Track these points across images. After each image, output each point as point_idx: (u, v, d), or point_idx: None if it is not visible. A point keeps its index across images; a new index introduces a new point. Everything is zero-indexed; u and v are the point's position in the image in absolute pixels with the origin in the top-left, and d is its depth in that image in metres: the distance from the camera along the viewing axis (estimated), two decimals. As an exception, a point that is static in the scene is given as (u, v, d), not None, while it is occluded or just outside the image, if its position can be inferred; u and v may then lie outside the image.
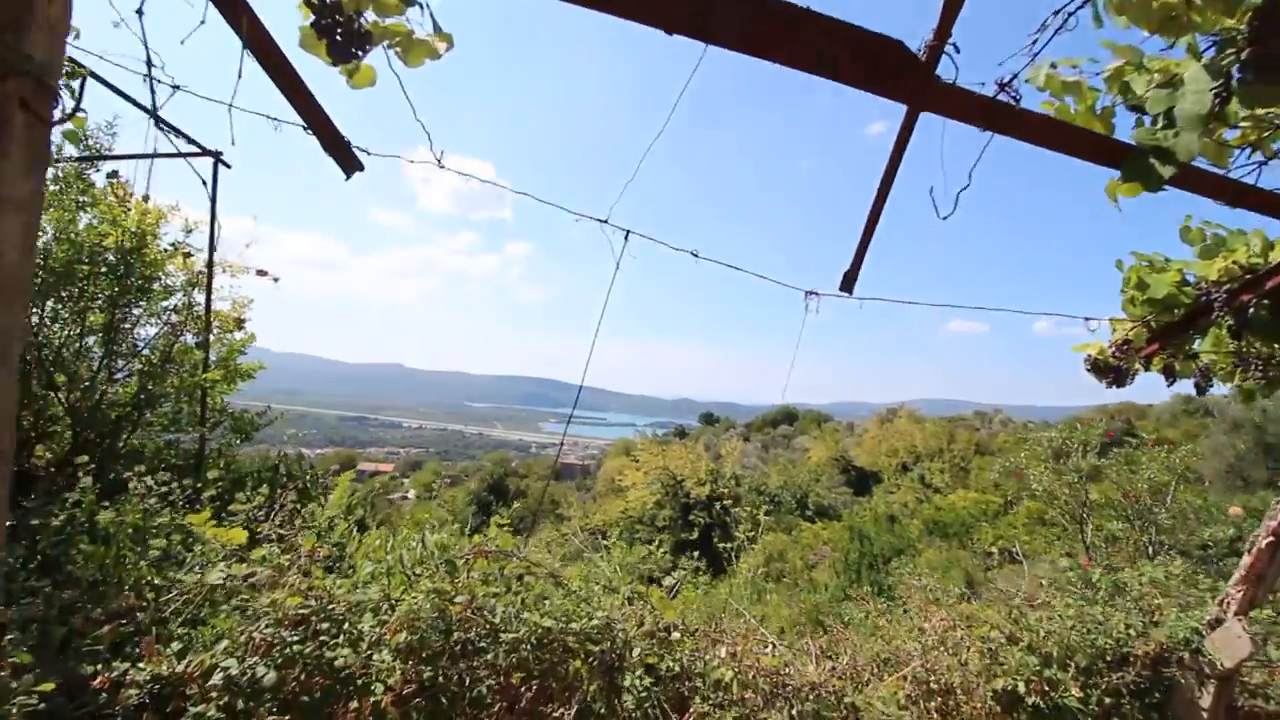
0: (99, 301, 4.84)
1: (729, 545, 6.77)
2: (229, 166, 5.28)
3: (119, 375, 5.09)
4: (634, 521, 32.73)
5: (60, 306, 4.75)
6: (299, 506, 2.91)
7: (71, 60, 3.45)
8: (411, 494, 61.86)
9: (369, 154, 2.44)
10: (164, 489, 3.06)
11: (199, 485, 3.35)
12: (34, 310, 4.55)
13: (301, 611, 2.14)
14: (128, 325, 5.00)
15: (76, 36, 3.35)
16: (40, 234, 4.54)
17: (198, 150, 5.11)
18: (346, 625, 2.22)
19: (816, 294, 2.71)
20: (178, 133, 4.72)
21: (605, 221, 2.55)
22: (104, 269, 4.79)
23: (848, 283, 2.61)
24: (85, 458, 3.40)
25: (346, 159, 2.39)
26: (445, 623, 2.32)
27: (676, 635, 2.65)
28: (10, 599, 2.05)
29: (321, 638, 2.14)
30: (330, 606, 2.22)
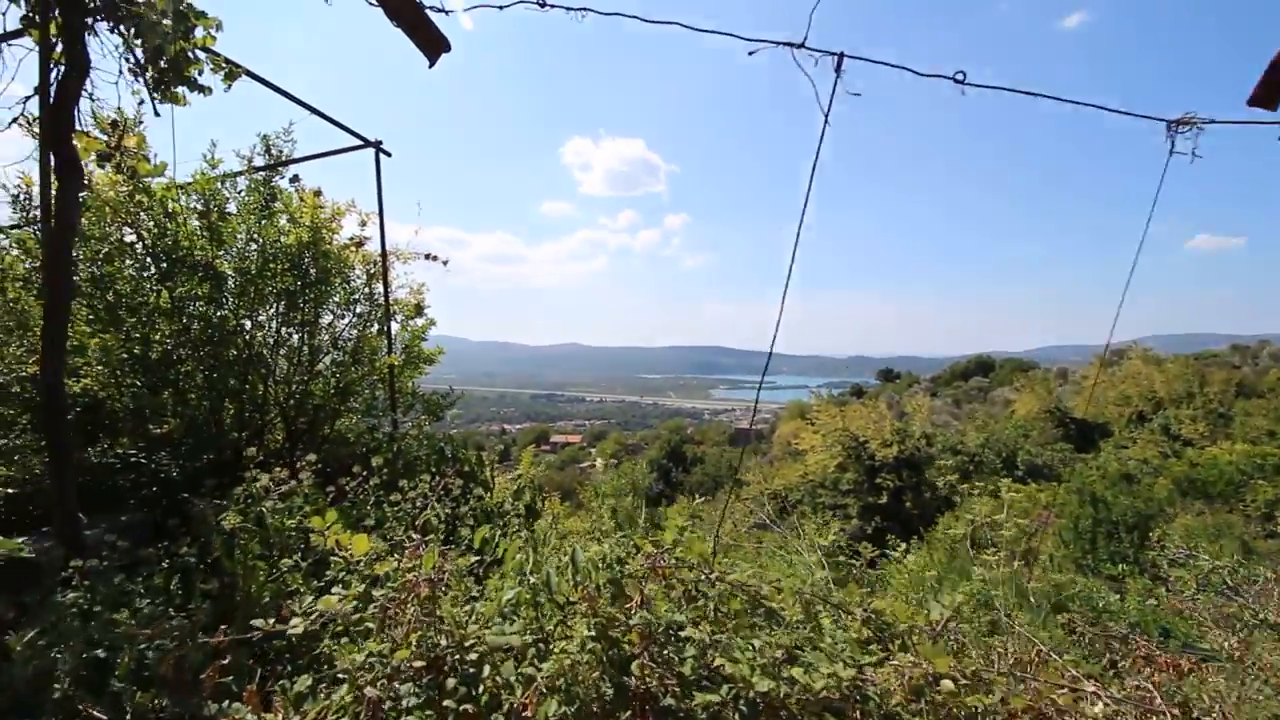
0: (284, 300, 5.42)
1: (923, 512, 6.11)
2: (389, 155, 5.74)
3: (320, 367, 5.74)
4: (815, 486, 31.68)
5: (258, 306, 5.37)
6: (464, 493, 3.02)
7: (228, 61, 3.92)
8: (599, 462, 66.12)
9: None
10: (295, 486, 2.94)
11: (366, 472, 3.37)
12: (240, 309, 5.27)
13: (416, 664, 1.62)
14: (324, 319, 5.71)
15: (219, 29, 3.78)
16: (235, 239, 5.27)
17: (359, 142, 5.61)
18: (487, 672, 1.66)
19: (1193, 123, 1.80)
20: (340, 126, 5.21)
21: (802, 45, 1.83)
22: (285, 264, 5.30)
23: (1266, 96, 1.78)
24: (300, 446, 3.97)
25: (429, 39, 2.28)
26: (615, 669, 1.69)
27: (948, 687, 1.68)
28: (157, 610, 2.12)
29: (448, 700, 1.61)
30: (462, 647, 1.66)
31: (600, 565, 1.98)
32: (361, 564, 1.91)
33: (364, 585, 1.86)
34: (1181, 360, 39.04)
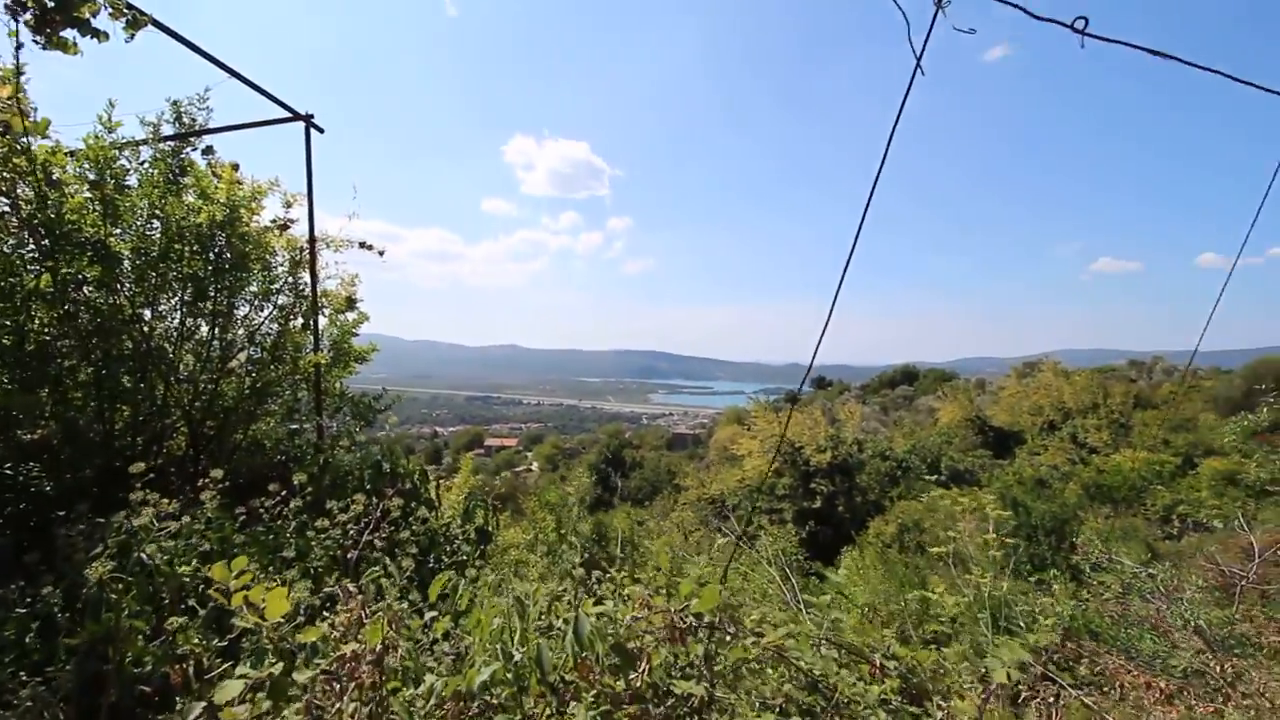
0: (191, 286, 4.78)
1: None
2: (321, 130, 5.17)
3: (233, 365, 5.07)
4: (752, 490, 32.04)
5: (160, 293, 4.71)
6: (405, 514, 2.58)
7: (131, 6, 3.34)
8: (535, 466, 64.90)
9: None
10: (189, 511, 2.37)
11: (287, 490, 2.80)
12: (137, 296, 4.59)
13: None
14: (239, 310, 5.05)
15: None
16: (134, 215, 4.60)
17: (289, 114, 5.04)
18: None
19: None
20: (266, 94, 4.64)
21: None
22: (195, 246, 4.69)
23: None
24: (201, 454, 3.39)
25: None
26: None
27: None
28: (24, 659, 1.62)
29: None
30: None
31: (604, 633, 1.58)
32: (279, 629, 1.43)
33: (281, 661, 1.38)
34: (1087, 373, 41.90)
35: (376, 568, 2.11)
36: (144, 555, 1.90)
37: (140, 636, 1.71)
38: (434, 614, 1.67)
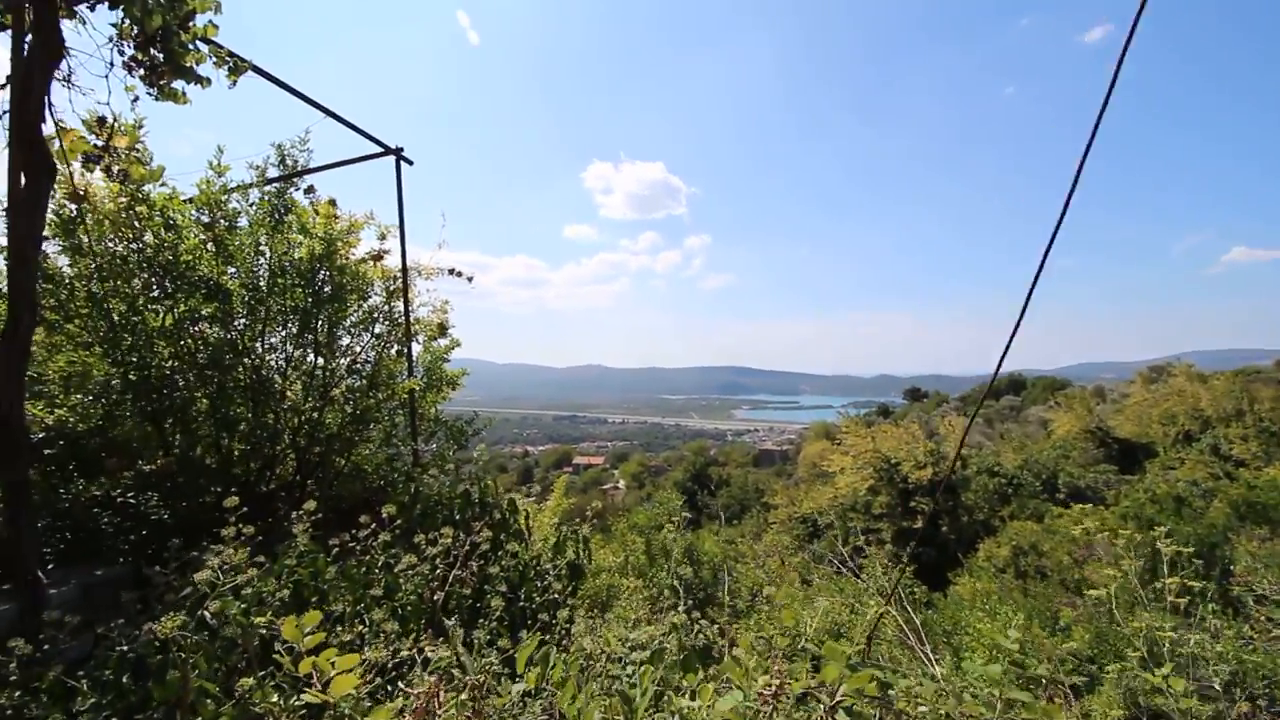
0: (296, 318, 4.95)
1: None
2: (411, 163, 5.31)
3: (335, 393, 5.25)
4: (846, 509, 30.57)
5: (269, 326, 4.90)
6: (494, 548, 2.44)
7: (232, 54, 3.49)
8: (621, 484, 65.32)
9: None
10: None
11: (377, 522, 2.70)
12: (248, 330, 4.80)
13: None
14: (340, 340, 5.22)
15: (218, 10, 3.33)
16: (243, 253, 4.82)
17: (381, 149, 5.20)
18: None
19: None
20: (360, 131, 4.80)
21: None
22: (297, 280, 4.86)
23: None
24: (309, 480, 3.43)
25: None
26: None
27: None
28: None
29: None
30: None
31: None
32: (345, 709, 1.26)
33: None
34: (1228, 376, 37.20)
35: (463, 611, 1.97)
36: (207, 614, 1.83)
37: (210, 700, 1.63)
38: (521, 687, 1.45)
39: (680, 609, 2.15)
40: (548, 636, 2.32)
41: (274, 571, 2.14)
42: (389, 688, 1.65)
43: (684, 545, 7.71)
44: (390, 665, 1.64)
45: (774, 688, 1.34)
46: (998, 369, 1.67)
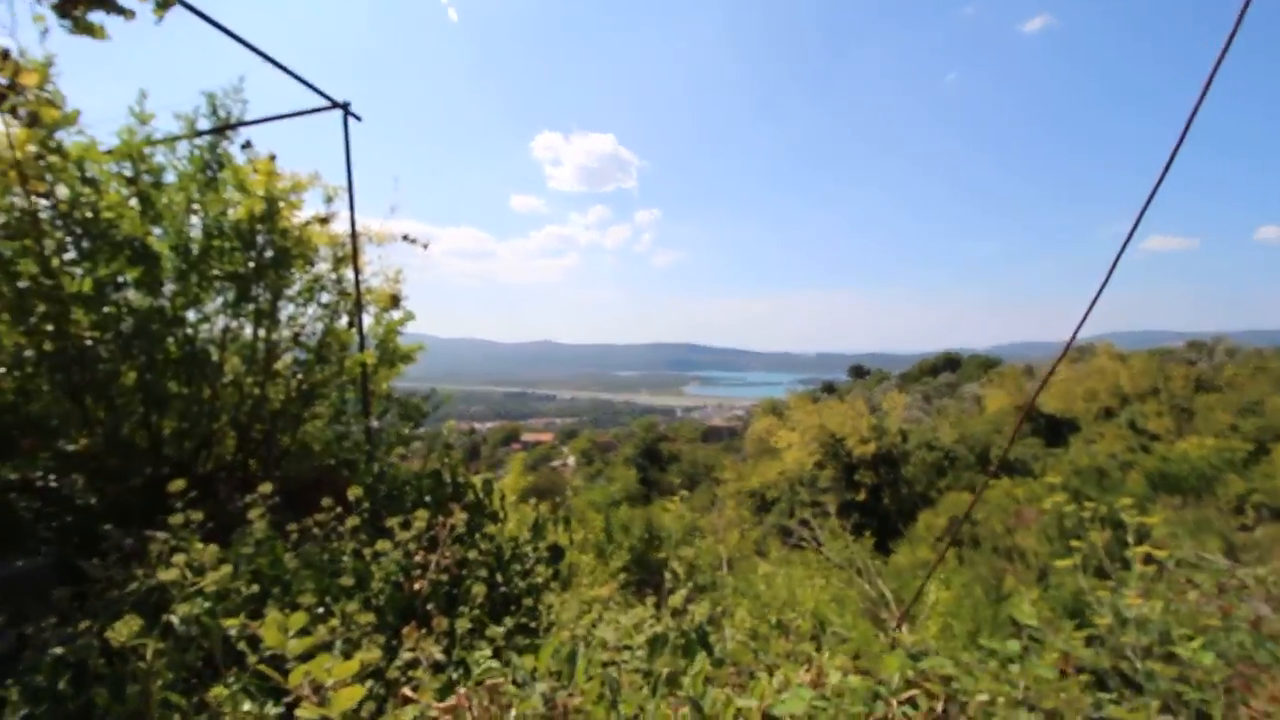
0: (233, 285, 4.57)
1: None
2: (359, 119, 4.93)
3: (278, 366, 4.86)
4: (794, 483, 31.46)
5: (202, 293, 4.50)
6: (470, 530, 2.27)
7: None
8: (571, 461, 65.31)
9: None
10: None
11: (341, 506, 2.52)
12: (178, 297, 4.41)
13: None
14: (283, 310, 4.82)
15: None
16: (172, 211, 4.41)
17: (327, 103, 4.81)
18: None
19: None
20: (303, 82, 4.41)
21: None
22: (235, 243, 4.47)
23: None
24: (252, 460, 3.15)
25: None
26: None
27: None
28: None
29: None
30: None
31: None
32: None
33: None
34: (1144, 356, 40.02)
35: (440, 599, 1.81)
36: (175, 619, 1.60)
37: (177, 715, 1.43)
38: (543, 688, 1.31)
39: (679, 590, 2.06)
40: (534, 623, 2.20)
41: (229, 561, 1.92)
42: (381, 692, 1.49)
43: (644, 521, 7.71)
44: (382, 667, 1.47)
45: (814, 677, 1.26)
46: (1071, 339, 1.61)
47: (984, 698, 1.37)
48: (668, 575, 2.33)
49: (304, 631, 1.24)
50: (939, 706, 1.35)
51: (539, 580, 2.37)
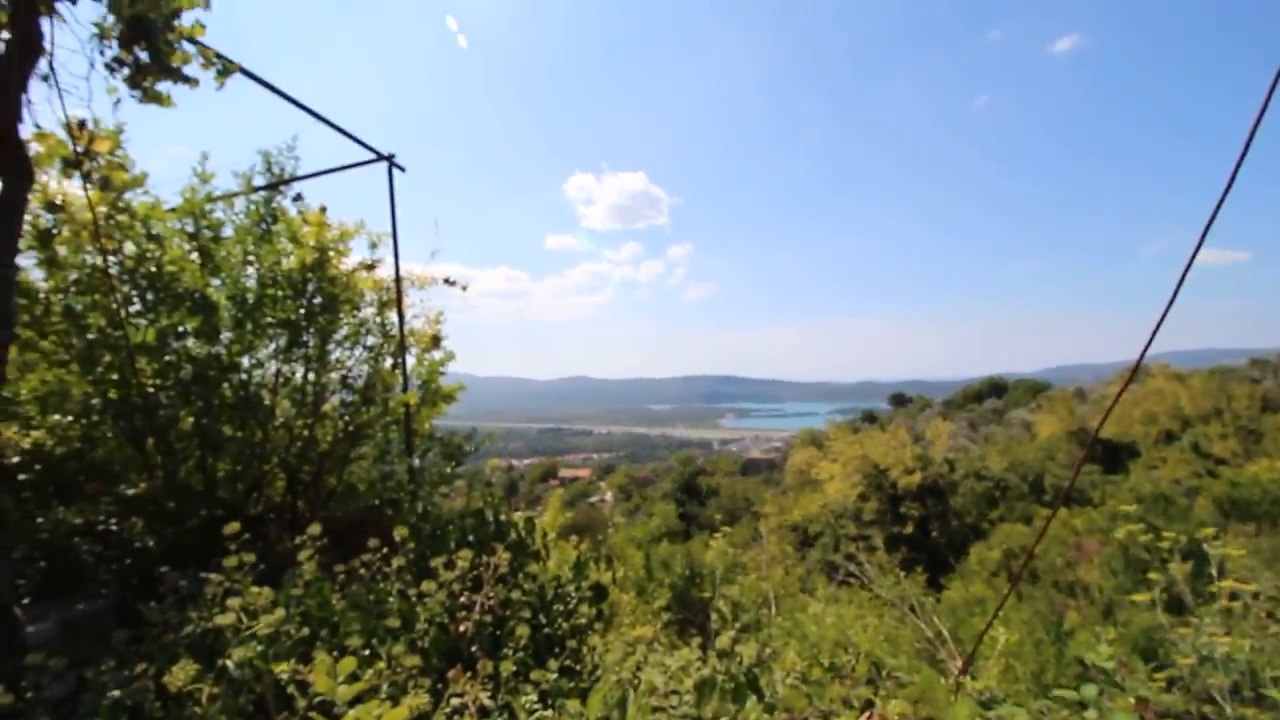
0: (285, 332, 4.76)
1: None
2: (403, 169, 5.16)
3: (326, 409, 5.02)
4: (836, 516, 30.58)
5: (256, 340, 4.69)
6: (513, 570, 2.26)
7: (219, 55, 3.32)
8: (609, 496, 64.96)
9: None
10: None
11: (386, 546, 2.51)
12: (234, 344, 4.60)
13: None
14: (331, 353, 4.99)
15: (206, 6, 3.18)
16: (229, 264, 4.63)
17: (373, 155, 5.04)
18: None
19: None
20: (351, 137, 4.64)
21: None
22: (287, 291, 4.67)
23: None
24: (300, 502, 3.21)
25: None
26: None
27: None
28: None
29: None
30: None
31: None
32: None
33: None
34: (1205, 375, 38.08)
35: (483, 640, 1.80)
36: (230, 663, 1.63)
37: None
38: None
39: (727, 630, 2.00)
40: (578, 665, 2.16)
41: (280, 603, 1.95)
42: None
43: (683, 554, 7.55)
44: (428, 712, 1.46)
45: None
46: (1139, 360, 1.55)
47: None
48: (714, 615, 2.27)
49: (353, 676, 1.24)
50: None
51: (582, 621, 2.33)
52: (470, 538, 2.74)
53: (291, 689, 1.49)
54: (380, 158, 5.23)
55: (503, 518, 2.90)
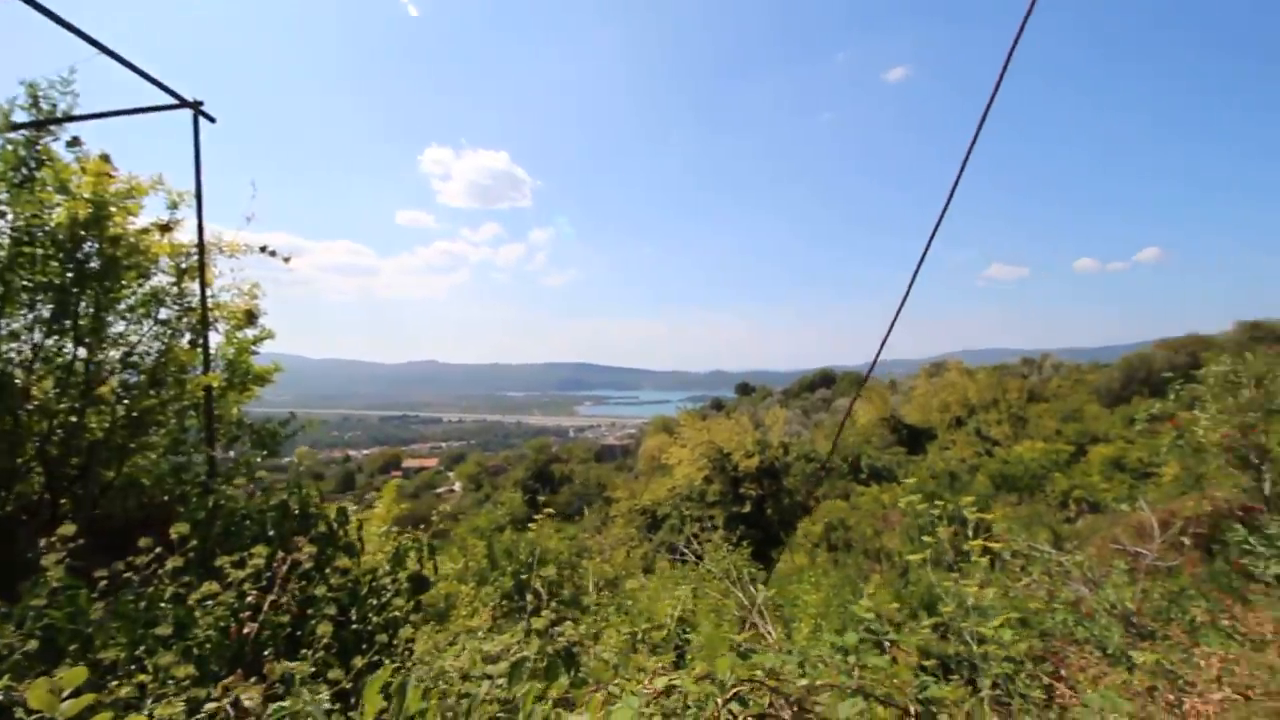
0: (50, 298, 4.02)
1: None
2: (212, 120, 4.53)
3: (104, 390, 4.30)
4: (683, 499, 32.10)
5: (8, 306, 3.93)
6: (319, 565, 2.07)
7: None
8: (458, 486, 62.61)
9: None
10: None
11: (162, 545, 2.13)
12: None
13: None
14: (113, 326, 4.26)
15: None
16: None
17: (175, 100, 4.37)
18: None
19: None
20: (147, 77, 3.98)
21: None
22: (52, 250, 3.97)
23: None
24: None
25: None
26: None
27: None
28: None
29: None
30: None
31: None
32: None
33: None
34: (987, 371, 45.13)
35: (279, 642, 1.64)
36: None
37: None
38: None
39: (544, 611, 2.01)
40: (387, 659, 2.05)
41: (14, 616, 1.62)
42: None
43: (529, 545, 7.48)
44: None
45: (660, 687, 1.28)
46: (874, 362, 1.76)
47: (804, 684, 1.46)
48: (529, 598, 2.27)
49: (96, 687, 1.07)
50: (766, 700, 1.42)
51: (397, 614, 2.21)
52: (271, 533, 2.49)
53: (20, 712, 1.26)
54: (183, 104, 4.54)
55: (312, 509, 2.67)
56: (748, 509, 31.29)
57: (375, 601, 2.26)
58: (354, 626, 2.12)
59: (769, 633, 3.49)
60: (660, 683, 1.29)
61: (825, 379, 73.77)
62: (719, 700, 1.30)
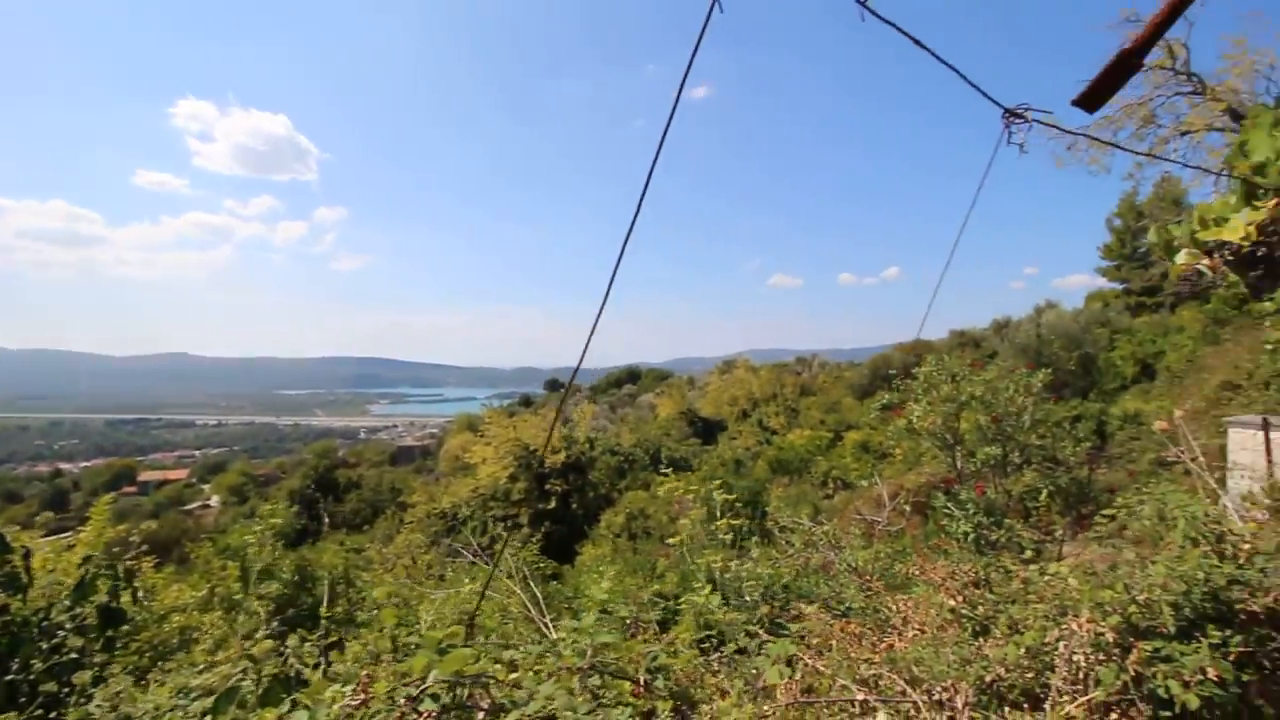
0: None
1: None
2: None
3: None
4: (487, 499, 31.15)
5: None
6: None
7: None
8: (215, 500, 53.94)
9: None
10: None
11: None
12: None
13: None
14: None
15: None
16: None
17: None
18: None
19: (1023, 116, 1.66)
20: None
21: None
22: None
23: (1091, 99, 1.73)
24: None
25: None
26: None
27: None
28: None
29: None
30: None
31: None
32: None
33: None
34: (769, 369, 50.71)
35: None
36: None
37: None
38: None
39: (260, 634, 1.67)
40: (54, 713, 1.53)
41: None
42: None
43: (293, 561, 6.53)
44: None
45: (359, 695, 1.10)
46: (580, 361, 1.74)
47: (515, 675, 1.42)
48: (241, 619, 1.91)
49: None
50: (465, 693, 1.34)
51: (75, 656, 1.68)
52: None
53: None
54: None
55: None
56: (553, 505, 31.38)
57: (45, 644, 1.69)
58: (10, 677, 1.55)
59: (546, 626, 3.45)
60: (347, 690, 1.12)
61: (631, 375, 76.84)
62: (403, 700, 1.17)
